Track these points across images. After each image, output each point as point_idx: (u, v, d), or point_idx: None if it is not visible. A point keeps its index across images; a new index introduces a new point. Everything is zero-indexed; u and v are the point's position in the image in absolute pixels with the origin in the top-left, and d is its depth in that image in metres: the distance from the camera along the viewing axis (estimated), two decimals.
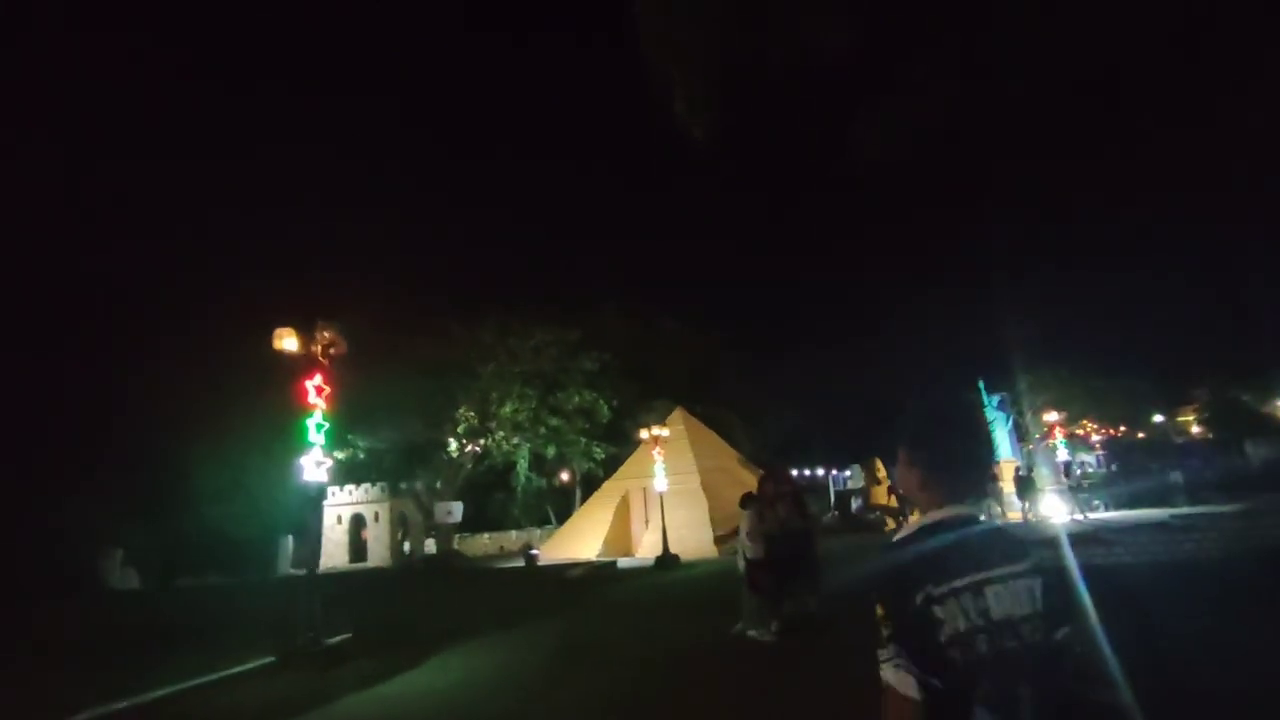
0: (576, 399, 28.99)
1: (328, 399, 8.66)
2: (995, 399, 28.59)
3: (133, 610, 16.71)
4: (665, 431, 21.40)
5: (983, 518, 1.60)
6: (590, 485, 30.52)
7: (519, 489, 34.70)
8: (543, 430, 28.98)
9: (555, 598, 13.94)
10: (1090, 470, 33.16)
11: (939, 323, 42.39)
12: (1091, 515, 19.69)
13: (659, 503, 20.02)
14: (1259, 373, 42.16)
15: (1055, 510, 19.87)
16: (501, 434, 28.65)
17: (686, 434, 24.39)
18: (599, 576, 17.25)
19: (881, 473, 30.27)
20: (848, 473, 37.20)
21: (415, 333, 26.21)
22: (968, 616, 1.41)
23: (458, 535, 32.15)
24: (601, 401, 29.36)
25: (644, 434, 21.20)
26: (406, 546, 33.06)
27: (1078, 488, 19.06)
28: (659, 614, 11.53)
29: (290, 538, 28.97)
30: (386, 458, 30.53)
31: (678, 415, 25.57)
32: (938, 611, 1.41)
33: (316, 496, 8.88)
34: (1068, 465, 21.22)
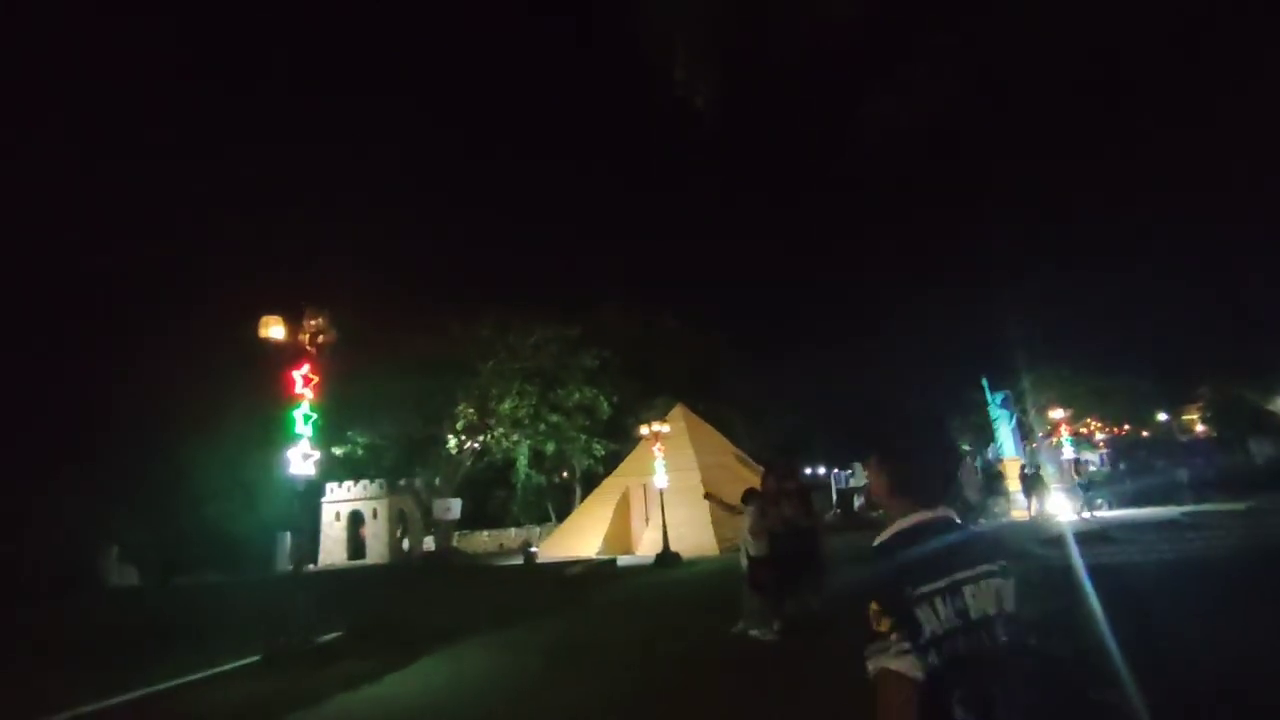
0: (577, 396, 28.79)
1: (316, 389, 8.42)
2: (999, 397, 28.42)
3: (126, 608, 16.55)
4: (666, 427, 21.17)
5: (958, 520, 1.65)
6: (590, 482, 30.31)
7: (519, 486, 34.54)
8: (542, 427, 28.79)
9: (553, 596, 13.75)
10: (1094, 469, 33.01)
11: (941, 321, 42.30)
12: (1097, 513, 19.48)
13: (659, 500, 19.82)
14: (1262, 370, 41.94)
15: (1062, 508, 19.65)
16: (501, 430, 28.47)
17: (687, 430, 24.16)
18: (598, 574, 17.06)
19: None
20: (850, 471, 37.03)
21: (414, 329, 26.06)
22: (946, 618, 1.45)
23: (457, 532, 31.99)
24: (602, 398, 29.16)
25: (644, 430, 20.98)
26: (405, 543, 32.89)
27: (1088, 485, 18.81)
28: (658, 613, 11.33)
29: (289, 534, 28.83)
30: (386, 454, 30.39)
31: (678, 412, 25.34)
32: (918, 614, 1.44)
33: (305, 491, 8.66)
34: (1078, 462, 20.99)
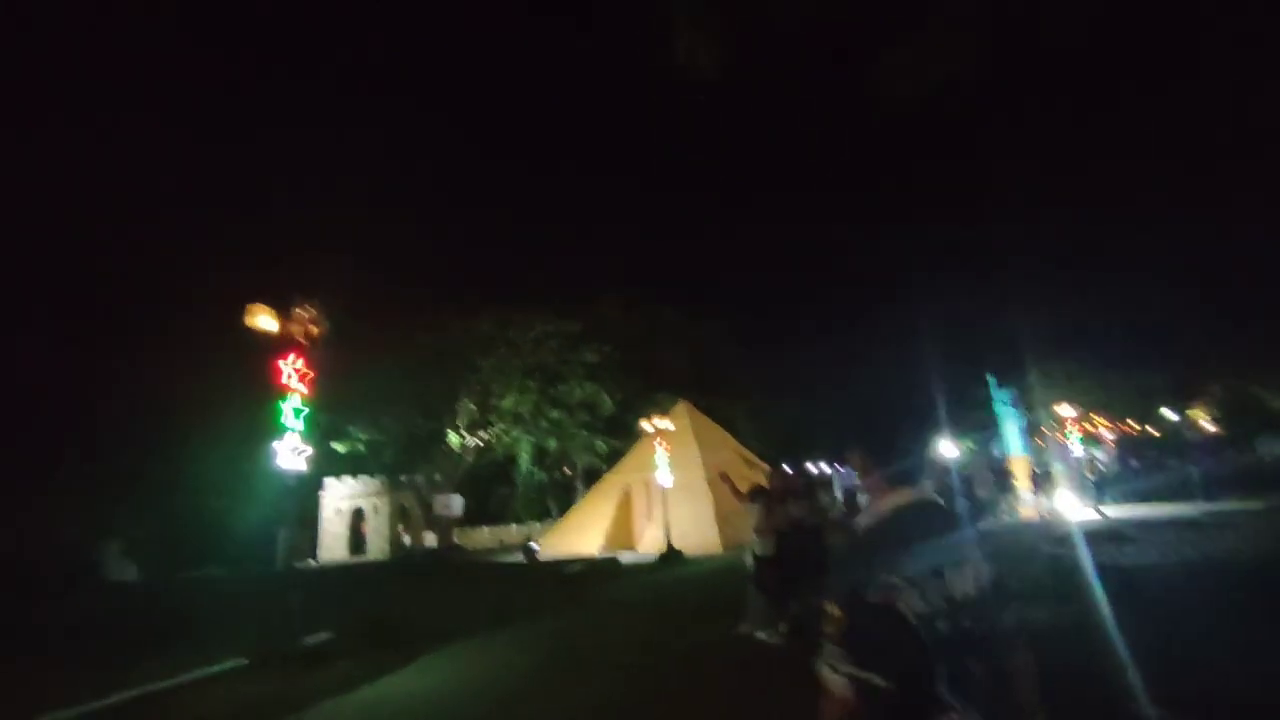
0: (578, 391, 28.56)
1: (307, 382, 8.14)
2: (1005, 394, 28.05)
3: (120, 604, 16.35)
4: (668, 424, 20.88)
5: (941, 501, 1.73)
6: (592, 479, 30.08)
7: (520, 482, 34.36)
8: (544, 423, 28.57)
9: (553, 594, 13.51)
10: (1103, 466, 32.72)
11: (947, 316, 41.96)
12: (1110, 511, 19.18)
13: (662, 497, 19.54)
14: (1273, 368, 41.57)
15: (1073, 507, 19.31)
16: (502, 426, 28.27)
17: (690, 426, 23.85)
18: (599, 573, 16.81)
19: None
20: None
21: (414, 325, 25.86)
22: (928, 600, 1.47)
23: (458, 529, 31.82)
24: (604, 394, 28.91)
25: (646, 426, 20.70)
26: (406, 540, 32.72)
27: (1102, 482, 18.49)
28: (660, 613, 11.07)
29: (288, 530, 28.64)
30: (387, 450, 30.18)
31: (681, 408, 25.04)
32: (896, 600, 1.47)
33: (297, 486, 8.38)
34: (1092, 459, 20.66)
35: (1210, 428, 45.11)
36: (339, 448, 27.54)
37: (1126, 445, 37.67)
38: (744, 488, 9.03)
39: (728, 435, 26.63)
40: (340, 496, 32.79)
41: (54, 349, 24.67)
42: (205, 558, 28.14)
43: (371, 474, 31.88)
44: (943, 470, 20.44)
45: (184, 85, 41.36)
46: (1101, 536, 12.48)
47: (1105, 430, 40.13)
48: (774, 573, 7.99)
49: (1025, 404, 25.99)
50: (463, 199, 55.52)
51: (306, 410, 8.07)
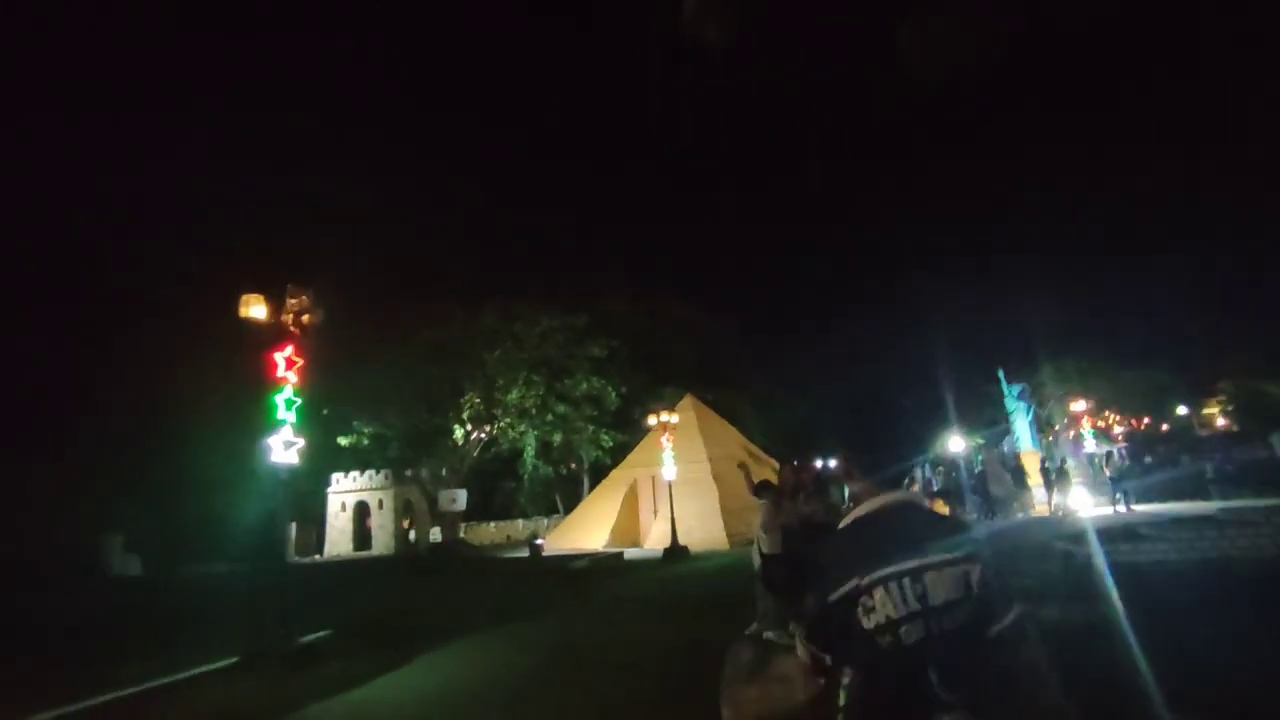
0: (584, 386, 28.32)
1: (300, 372, 7.93)
2: (1016, 389, 27.71)
3: (119, 600, 16.24)
4: (675, 418, 20.66)
5: (925, 504, 1.70)
6: (598, 474, 29.90)
7: (526, 477, 34.16)
8: (550, 417, 28.34)
9: (558, 590, 13.33)
10: (1121, 462, 32.40)
11: (958, 312, 41.62)
12: (1120, 509, 18.89)
13: (668, 492, 19.34)
14: None
15: (1085, 503, 19.01)
16: (508, 421, 28.08)
17: (697, 421, 23.66)
18: (604, 568, 16.63)
19: None
20: None
21: (419, 318, 25.72)
22: (904, 602, 1.45)
23: (463, 524, 31.71)
24: (610, 388, 28.69)
25: (653, 420, 20.50)
26: (411, 535, 32.64)
27: (1119, 479, 18.20)
28: (665, 610, 10.87)
29: (294, 525, 28.61)
30: (391, 444, 30.02)
31: (688, 402, 24.83)
32: (866, 600, 1.47)
33: (292, 480, 8.20)
34: (1109, 455, 20.35)
35: (1223, 424, 44.64)
36: (343, 441, 27.45)
37: (1137, 441, 37.27)
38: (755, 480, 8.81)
39: (735, 430, 26.42)
40: (345, 491, 32.74)
41: (58, 340, 24.67)
42: (212, 553, 28.09)
43: (376, 469, 31.80)
44: (951, 466, 20.20)
45: (182, 80, 41.27)
46: (1116, 534, 12.20)
47: (1117, 426, 39.75)
48: (781, 570, 7.76)
49: (1038, 400, 25.67)
50: (469, 193, 55.41)
51: (299, 401, 7.88)
